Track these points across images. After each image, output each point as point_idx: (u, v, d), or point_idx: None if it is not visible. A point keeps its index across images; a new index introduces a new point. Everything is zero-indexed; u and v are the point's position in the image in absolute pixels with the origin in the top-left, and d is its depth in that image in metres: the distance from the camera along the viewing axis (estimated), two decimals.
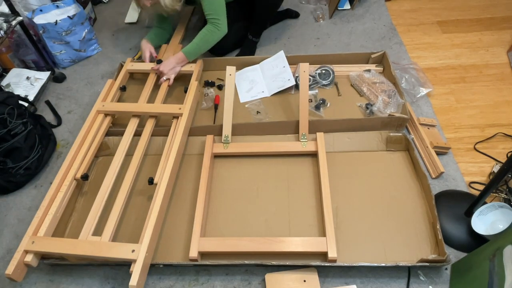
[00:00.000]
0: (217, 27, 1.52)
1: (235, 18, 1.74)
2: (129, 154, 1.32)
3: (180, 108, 1.42)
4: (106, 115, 1.46)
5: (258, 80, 1.64)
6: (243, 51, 1.82)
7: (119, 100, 1.61)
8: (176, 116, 1.42)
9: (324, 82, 1.62)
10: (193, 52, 1.57)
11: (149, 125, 1.42)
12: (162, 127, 1.46)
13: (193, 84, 1.52)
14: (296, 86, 1.61)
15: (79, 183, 1.32)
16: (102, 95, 1.49)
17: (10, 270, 1.03)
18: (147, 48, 1.66)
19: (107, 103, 1.47)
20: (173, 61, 1.56)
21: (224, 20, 1.52)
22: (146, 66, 1.66)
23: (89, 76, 1.85)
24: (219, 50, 1.78)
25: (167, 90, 1.58)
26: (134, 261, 1.02)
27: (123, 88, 1.60)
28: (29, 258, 1.07)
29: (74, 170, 1.27)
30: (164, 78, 1.57)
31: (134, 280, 0.99)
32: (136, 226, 1.24)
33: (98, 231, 1.14)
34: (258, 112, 1.54)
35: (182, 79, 1.68)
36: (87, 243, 1.09)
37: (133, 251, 1.04)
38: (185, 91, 1.52)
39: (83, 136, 1.36)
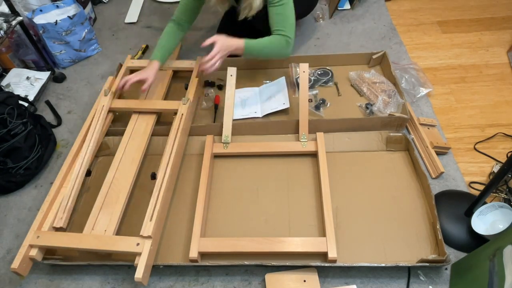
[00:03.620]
0: (289, 45, 1.36)
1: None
2: (130, 153, 1.33)
3: (185, 103, 1.42)
4: (108, 111, 1.46)
5: (253, 101, 1.58)
6: None
7: (120, 97, 1.61)
8: (177, 113, 1.43)
9: (324, 79, 1.62)
10: (254, 49, 1.35)
11: (150, 121, 1.43)
12: (163, 124, 1.47)
13: (194, 81, 1.53)
14: (297, 86, 1.61)
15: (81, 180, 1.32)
16: (104, 92, 1.50)
17: (15, 264, 1.05)
18: (148, 75, 1.41)
19: (108, 100, 1.47)
20: (231, 44, 1.33)
21: (293, 43, 1.37)
22: (146, 63, 1.66)
23: (89, 76, 1.85)
24: None
25: (168, 87, 1.59)
26: (139, 254, 1.04)
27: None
28: (34, 252, 1.08)
29: (77, 165, 1.28)
30: (211, 64, 1.31)
31: (139, 273, 1.00)
32: (139, 221, 1.22)
33: (101, 227, 1.14)
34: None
35: (183, 76, 1.68)
36: (92, 237, 1.10)
37: (138, 244, 1.05)
38: (186, 88, 1.53)
39: (85, 132, 1.37)
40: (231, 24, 1.65)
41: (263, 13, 1.37)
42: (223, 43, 1.31)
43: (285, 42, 1.36)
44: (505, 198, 1.21)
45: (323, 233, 1.16)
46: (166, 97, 1.59)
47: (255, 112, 1.54)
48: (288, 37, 1.36)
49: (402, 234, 1.16)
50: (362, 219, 1.20)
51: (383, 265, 1.06)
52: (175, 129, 1.36)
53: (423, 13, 2.03)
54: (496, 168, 1.32)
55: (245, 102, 1.58)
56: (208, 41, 1.31)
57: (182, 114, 1.40)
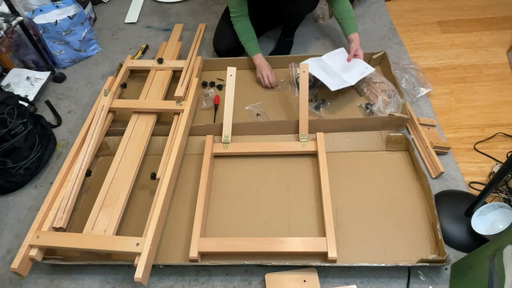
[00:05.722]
0: None
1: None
2: (130, 153, 1.33)
3: (181, 104, 1.43)
4: (108, 111, 1.46)
5: (333, 70, 1.54)
6: (278, 50, 1.81)
7: (120, 97, 1.61)
8: (177, 113, 1.43)
9: None
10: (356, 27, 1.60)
11: (150, 121, 1.43)
12: (163, 124, 1.47)
13: (194, 81, 1.53)
14: (296, 86, 1.61)
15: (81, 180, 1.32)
16: (104, 92, 1.50)
17: (15, 264, 1.04)
18: (267, 70, 1.61)
19: (108, 100, 1.47)
20: (359, 44, 1.56)
21: None
22: (146, 63, 1.67)
23: (89, 76, 1.85)
24: (226, 52, 1.77)
25: (168, 87, 1.60)
26: (139, 254, 1.04)
27: (123, 85, 1.60)
28: (33, 252, 1.08)
29: (77, 165, 1.28)
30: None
31: (139, 273, 1.00)
32: (138, 221, 1.24)
33: (101, 227, 1.14)
34: (258, 114, 1.54)
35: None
36: (92, 237, 1.09)
37: (137, 244, 1.05)
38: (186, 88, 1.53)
39: (85, 132, 1.37)
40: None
41: None
42: (361, 52, 1.56)
43: None
44: (505, 198, 1.21)
45: (323, 233, 1.16)
46: (166, 97, 1.59)
47: (346, 82, 1.49)
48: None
49: (402, 234, 1.16)
50: (362, 219, 1.20)
51: (383, 265, 1.06)
52: (175, 128, 1.36)
53: (423, 13, 2.03)
54: (496, 168, 1.32)
55: (327, 71, 1.54)
56: (359, 56, 1.55)
57: (182, 114, 1.40)
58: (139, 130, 1.40)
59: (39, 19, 1.73)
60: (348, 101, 1.56)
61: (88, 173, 1.31)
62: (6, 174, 1.36)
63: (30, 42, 1.70)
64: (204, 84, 1.69)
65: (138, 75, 1.76)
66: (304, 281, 1.08)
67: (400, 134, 1.37)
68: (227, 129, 1.40)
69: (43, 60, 1.80)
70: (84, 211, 1.27)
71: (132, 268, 1.14)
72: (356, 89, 1.61)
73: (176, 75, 1.68)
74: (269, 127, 1.44)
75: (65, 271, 1.18)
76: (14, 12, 1.59)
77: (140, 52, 1.91)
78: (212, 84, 1.68)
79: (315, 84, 1.63)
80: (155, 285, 1.13)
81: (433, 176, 1.31)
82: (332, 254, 1.07)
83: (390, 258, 1.11)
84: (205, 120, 1.54)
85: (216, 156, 1.41)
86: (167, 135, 1.38)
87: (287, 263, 1.09)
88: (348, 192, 1.27)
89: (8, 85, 1.68)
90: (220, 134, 1.42)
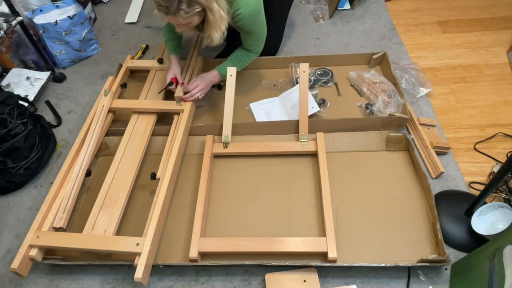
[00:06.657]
0: (255, 54, 1.50)
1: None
2: (130, 153, 1.33)
3: (181, 104, 1.43)
4: (108, 111, 1.46)
5: (277, 111, 1.53)
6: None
7: (120, 97, 1.61)
8: (177, 113, 1.43)
9: (324, 79, 1.62)
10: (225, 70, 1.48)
11: (150, 121, 1.43)
12: (163, 124, 1.47)
13: None
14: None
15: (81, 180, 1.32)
16: (104, 92, 1.50)
17: (15, 264, 1.05)
18: (174, 70, 1.50)
19: (108, 100, 1.47)
20: (210, 80, 1.49)
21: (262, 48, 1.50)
22: (146, 63, 1.67)
23: (89, 76, 1.85)
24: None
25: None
26: (139, 254, 1.04)
27: (123, 85, 1.60)
28: (33, 252, 1.09)
29: (77, 165, 1.28)
30: (195, 95, 1.44)
31: (139, 272, 1.00)
32: (138, 221, 1.24)
33: (101, 227, 1.14)
34: (275, 85, 1.51)
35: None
36: (92, 237, 1.10)
37: (137, 244, 1.05)
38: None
39: (85, 132, 1.37)
40: None
41: (236, 32, 1.45)
42: (204, 82, 1.47)
43: (252, 54, 1.49)
44: (505, 198, 1.21)
45: (323, 233, 1.16)
46: (166, 97, 1.58)
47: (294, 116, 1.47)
48: (257, 51, 1.49)
49: (402, 234, 1.16)
50: (362, 219, 1.20)
51: (383, 265, 1.06)
52: (175, 129, 1.36)
53: (423, 13, 2.03)
54: (496, 168, 1.32)
55: (269, 113, 1.54)
56: (191, 87, 1.45)
57: (182, 114, 1.40)
58: (139, 130, 1.40)
59: (39, 19, 1.73)
60: (348, 101, 1.56)
61: (88, 173, 1.31)
62: (6, 174, 1.36)
63: (30, 42, 1.70)
64: None
65: (138, 75, 1.76)
66: (304, 281, 1.08)
67: (400, 134, 1.37)
68: (227, 129, 1.40)
69: (43, 60, 1.80)
70: (84, 211, 1.27)
71: (132, 268, 1.14)
72: (356, 89, 1.61)
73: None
74: (269, 127, 1.44)
75: (65, 271, 1.18)
76: (14, 12, 1.59)
77: (140, 52, 1.91)
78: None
79: (315, 84, 1.64)
80: (155, 285, 1.13)
81: (433, 176, 1.31)
82: (332, 254, 1.07)
83: (390, 258, 1.11)
84: (205, 120, 1.54)
85: (216, 156, 1.40)
86: (167, 135, 1.38)
87: (287, 263, 1.09)
88: (348, 192, 1.27)
89: (8, 85, 1.68)
90: (220, 134, 1.42)
